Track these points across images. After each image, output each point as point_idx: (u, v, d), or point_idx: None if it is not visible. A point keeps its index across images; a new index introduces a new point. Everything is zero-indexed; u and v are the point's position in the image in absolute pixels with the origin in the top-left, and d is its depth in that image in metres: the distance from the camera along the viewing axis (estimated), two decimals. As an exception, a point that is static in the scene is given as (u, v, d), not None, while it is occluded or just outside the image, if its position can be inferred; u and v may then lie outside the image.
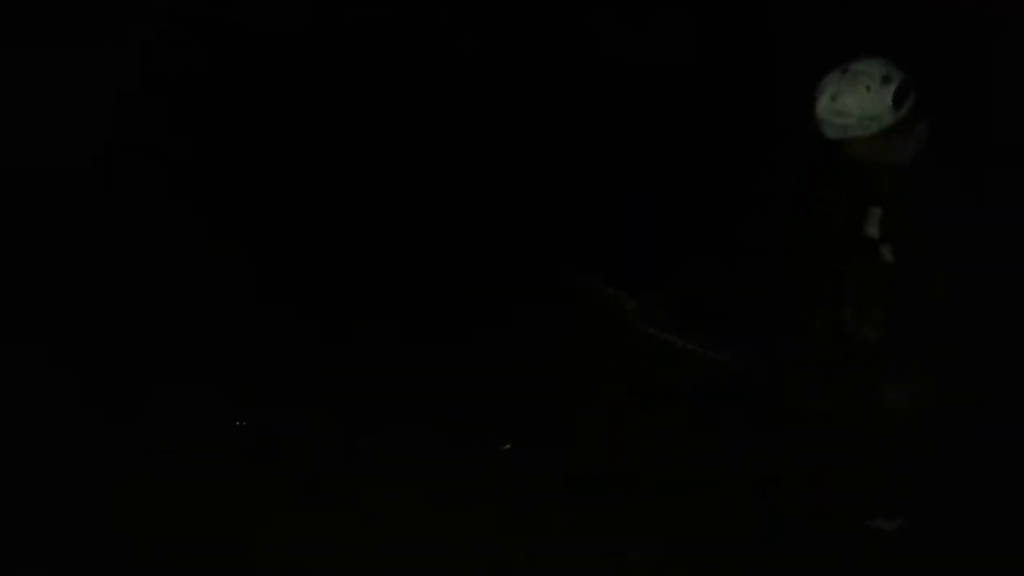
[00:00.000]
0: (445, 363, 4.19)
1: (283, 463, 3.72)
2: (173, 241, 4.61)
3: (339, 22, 4.89)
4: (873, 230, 3.04)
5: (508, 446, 3.85)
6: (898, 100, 2.80)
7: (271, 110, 4.86)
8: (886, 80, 2.80)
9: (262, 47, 4.83)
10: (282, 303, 4.49)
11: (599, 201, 4.61)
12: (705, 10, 4.63)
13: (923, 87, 2.83)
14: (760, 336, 3.94)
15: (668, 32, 4.63)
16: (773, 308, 4.01)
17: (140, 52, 4.77)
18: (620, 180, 4.67)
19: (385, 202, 4.81)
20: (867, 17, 4.01)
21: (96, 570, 3.24)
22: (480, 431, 3.89)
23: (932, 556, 3.12)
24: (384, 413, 3.97)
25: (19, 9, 4.62)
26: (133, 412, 4.00)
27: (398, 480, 3.61)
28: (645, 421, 3.89)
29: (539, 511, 3.45)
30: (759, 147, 4.38)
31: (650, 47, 4.66)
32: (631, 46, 4.73)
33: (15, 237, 4.48)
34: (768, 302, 4.04)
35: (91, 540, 3.33)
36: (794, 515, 3.40)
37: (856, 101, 2.80)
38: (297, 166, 4.86)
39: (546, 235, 4.57)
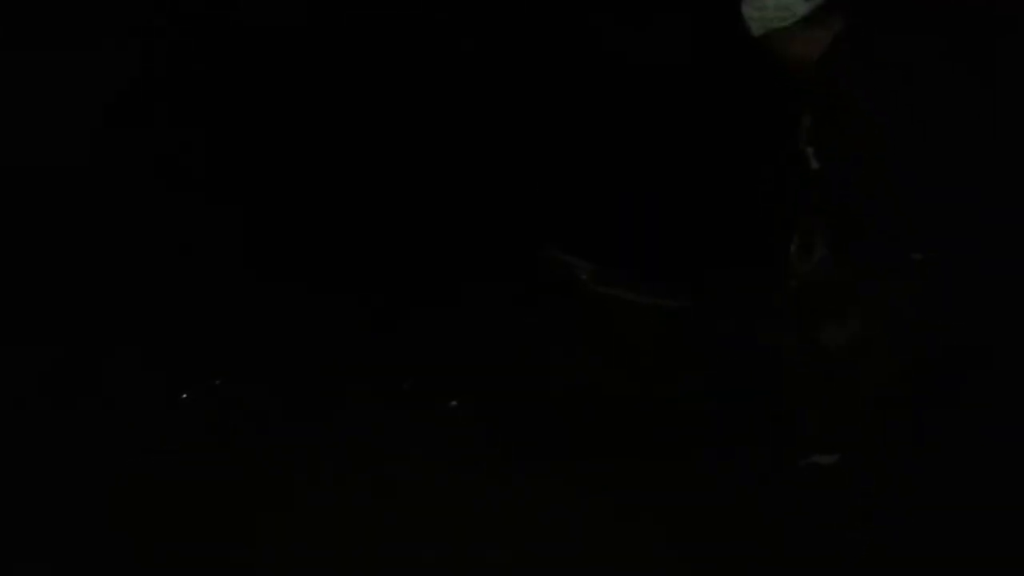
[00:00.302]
0: (444, 362, 4.19)
1: (283, 463, 3.71)
2: (173, 240, 4.61)
3: (339, 22, 4.89)
4: (803, 138, 3.12)
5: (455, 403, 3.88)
6: None
7: (271, 110, 4.86)
8: None
9: (262, 47, 4.83)
10: (282, 303, 4.49)
11: (599, 201, 4.61)
12: (705, 10, 4.63)
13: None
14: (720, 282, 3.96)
15: (668, 32, 4.63)
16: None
17: (140, 52, 4.77)
18: (620, 180, 4.67)
19: (385, 202, 4.80)
20: (868, 17, 4.00)
21: (96, 570, 3.24)
22: (479, 429, 3.89)
23: (932, 556, 3.12)
24: (384, 412, 3.97)
25: (19, 9, 4.62)
26: (134, 413, 4.00)
27: (398, 480, 3.61)
28: (645, 420, 3.90)
29: (539, 510, 3.44)
30: (759, 147, 4.38)
31: (650, 47, 4.66)
32: (631, 46, 4.73)
33: (15, 237, 4.48)
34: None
35: (91, 540, 3.32)
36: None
37: None
38: (297, 165, 4.86)
39: (546, 234, 4.57)
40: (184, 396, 4.03)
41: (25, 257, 4.46)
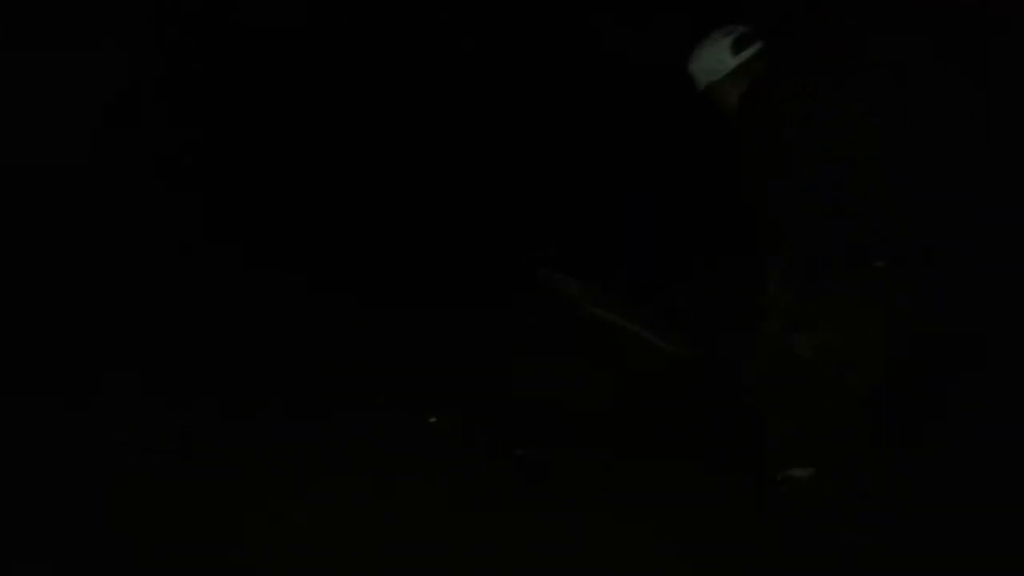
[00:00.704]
0: (444, 363, 4.19)
1: (283, 463, 3.71)
2: (173, 240, 4.61)
3: (339, 22, 4.89)
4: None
5: (434, 419, 3.91)
6: (736, 48, 3.45)
7: (271, 110, 4.86)
8: (728, 34, 3.49)
9: (262, 47, 4.83)
10: (282, 303, 4.49)
11: (599, 201, 4.62)
12: (705, 10, 4.63)
13: (766, 37, 3.48)
14: (704, 317, 3.99)
15: (668, 32, 4.63)
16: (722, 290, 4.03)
17: (140, 52, 4.77)
18: (620, 180, 4.67)
19: (384, 203, 4.81)
20: (867, 17, 4.01)
21: (96, 570, 3.24)
22: (480, 431, 3.90)
23: (932, 556, 3.12)
24: (384, 413, 3.97)
25: (19, 9, 4.62)
26: (134, 413, 4.00)
27: (398, 480, 3.61)
28: (644, 420, 3.90)
29: (539, 511, 3.45)
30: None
31: (650, 47, 4.66)
32: (631, 46, 4.73)
33: (15, 237, 4.48)
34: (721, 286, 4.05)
35: (91, 540, 3.32)
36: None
37: (705, 54, 3.52)
38: (296, 165, 4.86)
39: (546, 234, 4.57)
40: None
41: (25, 256, 4.46)
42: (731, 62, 3.48)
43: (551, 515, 3.41)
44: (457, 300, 4.46)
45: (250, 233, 4.68)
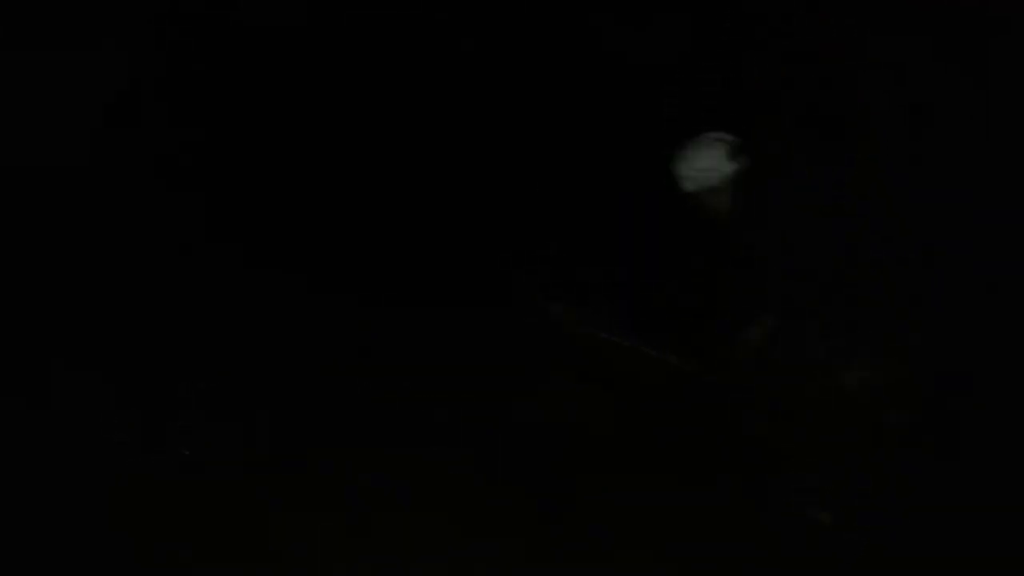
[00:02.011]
0: (444, 363, 4.20)
1: (283, 463, 3.72)
2: (173, 240, 4.61)
3: (339, 22, 4.89)
4: None
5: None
6: (733, 156, 3.62)
7: (271, 110, 4.86)
8: (723, 143, 3.66)
9: (262, 47, 4.83)
10: (282, 303, 4.49)
11: (599, 201, 4.61)
12: (705, 10, 4.63)
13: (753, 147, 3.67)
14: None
15: (668, 32, 4.63)
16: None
17: (140, 52, 4.77)
18: (619, 180, 4.66)
19: (384, 203, 4.81)
20: (867, 17, 4.01)
21: (96, 570, 3.24)
22: (480, 430, 3.90)
23: (933, 556, 3.12)
24: (385, 413, 3.97)
25: (19, 9, 4.62)
26: (134, 413, 4.01)
27: (398, 480, 3.61)
28: (645, 424, 3.90)
29: (539, 511, 3.45)
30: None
31: (650, 47, 4.66)
32: (631, 46, 4.73)
33: (14, 237, 4.48)
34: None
35: (91, 540, 3.32)
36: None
37: (702, 159, 3.67)
38: (296, 165, 4.86)
39: (546, 233, 4.57)
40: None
41: (26, 257, 4.46)
42: (728, 168, 3.66)
43: (550, 515, 3.42)
44: (457, 300, 4.46)
45: (250, 233, 4.67)
